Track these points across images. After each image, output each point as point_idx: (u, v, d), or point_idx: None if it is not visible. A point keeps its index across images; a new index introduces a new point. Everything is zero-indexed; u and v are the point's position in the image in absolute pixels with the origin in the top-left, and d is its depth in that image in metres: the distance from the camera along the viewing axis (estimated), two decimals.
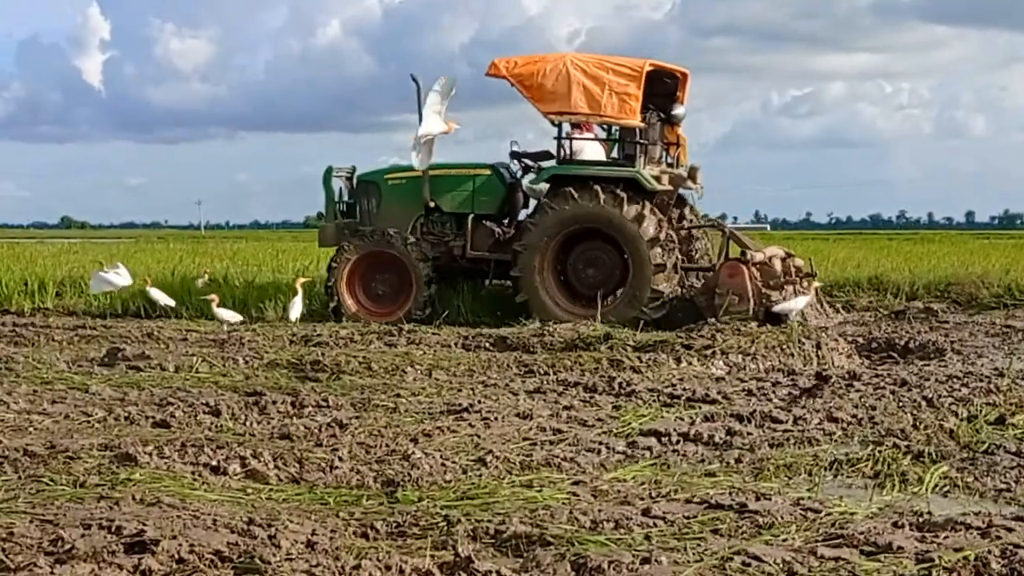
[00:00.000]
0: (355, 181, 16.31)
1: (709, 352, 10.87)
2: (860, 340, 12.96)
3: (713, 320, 13.22)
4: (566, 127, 15.24)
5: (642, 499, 5.52)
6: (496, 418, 7.75)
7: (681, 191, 15.73)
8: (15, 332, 13.55)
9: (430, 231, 15.71)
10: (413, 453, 6.48)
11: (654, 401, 8.60)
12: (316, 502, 5.55)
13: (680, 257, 15.12)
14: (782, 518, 5.10)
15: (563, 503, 5.40)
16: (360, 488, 5.84)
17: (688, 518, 5.13)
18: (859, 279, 20.16)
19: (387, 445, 6.76)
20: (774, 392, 9.10)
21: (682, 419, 7.92)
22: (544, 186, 15.20)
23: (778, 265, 14.81)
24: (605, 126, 15.59)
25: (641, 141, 14.98)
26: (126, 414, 7.85)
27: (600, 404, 8.52)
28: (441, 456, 6.46)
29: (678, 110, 15.57)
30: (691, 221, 16.11)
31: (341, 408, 8.15)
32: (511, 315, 14.65)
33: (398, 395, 8.71)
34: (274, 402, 8.24)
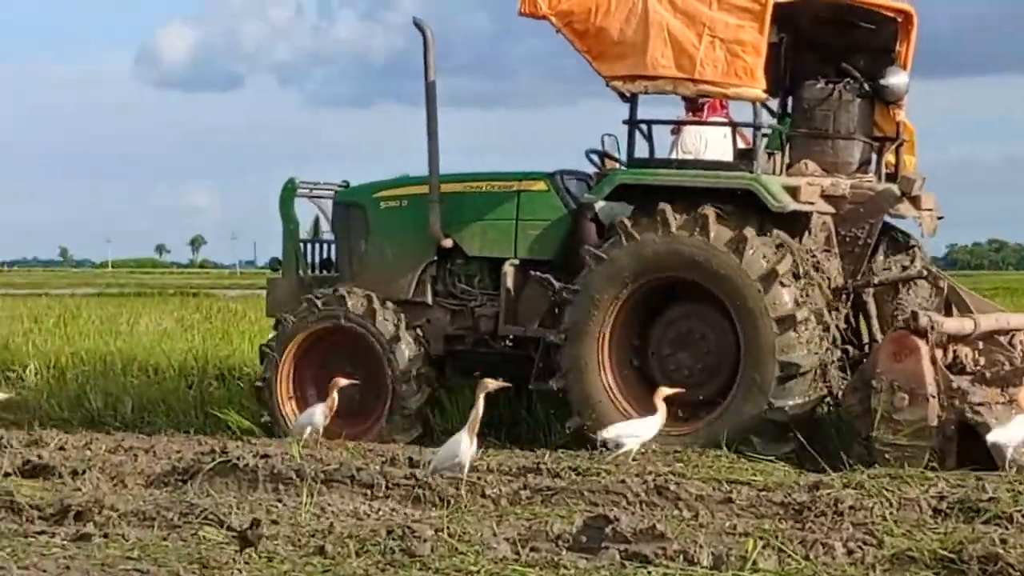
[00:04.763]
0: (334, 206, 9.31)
1: None
2: None
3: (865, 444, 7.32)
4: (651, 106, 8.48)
5: None
6: None
7: (890, 218, 8.43)
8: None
9: (447, 289, 8.71)
10: None
11: None
12: None
13: (843, 316, 8.23)
14: None
15: None
16: None
17: None
18: None
19: None
20: None
21: None
22: (627, 209, 8.24)
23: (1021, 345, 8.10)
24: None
25: (765, 127, 8.25)
26: None
27: None
28: None
29: (895, 78, 8.30)
30: (907, 269, 8.48)
31: None
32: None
33: None
34: None
